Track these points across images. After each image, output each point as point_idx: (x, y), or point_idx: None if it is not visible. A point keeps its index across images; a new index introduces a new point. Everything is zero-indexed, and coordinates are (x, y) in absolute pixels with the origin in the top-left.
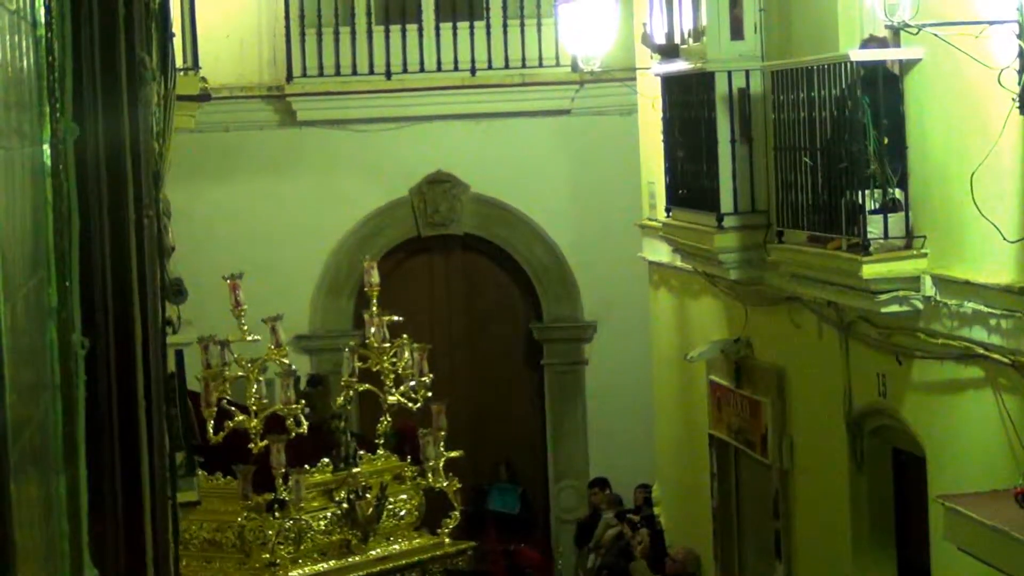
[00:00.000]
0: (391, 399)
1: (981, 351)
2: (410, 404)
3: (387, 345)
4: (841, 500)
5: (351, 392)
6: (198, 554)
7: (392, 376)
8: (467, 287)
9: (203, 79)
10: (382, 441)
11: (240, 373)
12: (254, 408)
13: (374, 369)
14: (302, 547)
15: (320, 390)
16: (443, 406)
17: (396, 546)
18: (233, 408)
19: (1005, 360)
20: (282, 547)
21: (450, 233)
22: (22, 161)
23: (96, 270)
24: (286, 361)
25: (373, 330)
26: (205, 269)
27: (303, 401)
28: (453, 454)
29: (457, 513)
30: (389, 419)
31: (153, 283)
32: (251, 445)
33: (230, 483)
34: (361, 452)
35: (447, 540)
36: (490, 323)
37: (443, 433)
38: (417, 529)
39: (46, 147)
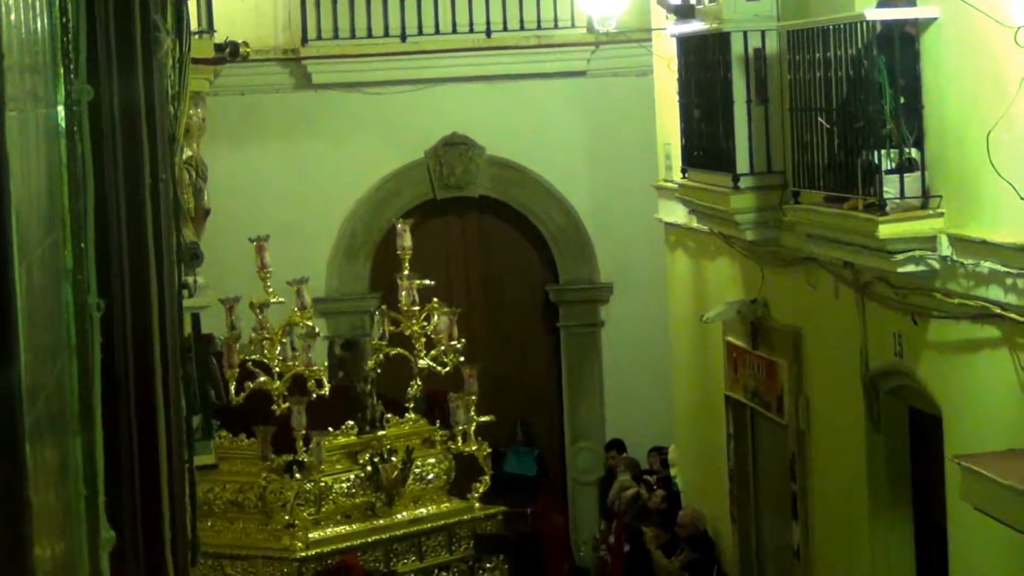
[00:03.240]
0: (421, 363)
1: (997, 310)
2: (439, 368)
3: (416, 309)
4: (858, 460)
5: (380, 355)
6: (221, 515)
7: (423, 340)
8: (483, 249)
9: (245, 43)
10: (412, 405)
11: (266, 336)
12: (277, 370)
13: (406, 333)
14: (324, 509)
15: (354, 353)
16: (475, 370)
17: (423, 510)
18: (258, 370)
19: (1021, 319)
20: (302, 508)
21: (466, 195)
22: (36, 123)
23: (112, 232)
24: (310, 323)
25: (404, 294)
26: (221, 232)
27: (337, 364)
28: (484, 419)
29: (487, 477)
30: (420, 383)
31: (169, 246)
32: (274, 407)
33: (253, 444)
34: (388, 416)
35: (477, 504)
36: (506, 285)
37: (474, 398)
38: (447, 493)
39: (60, 109)
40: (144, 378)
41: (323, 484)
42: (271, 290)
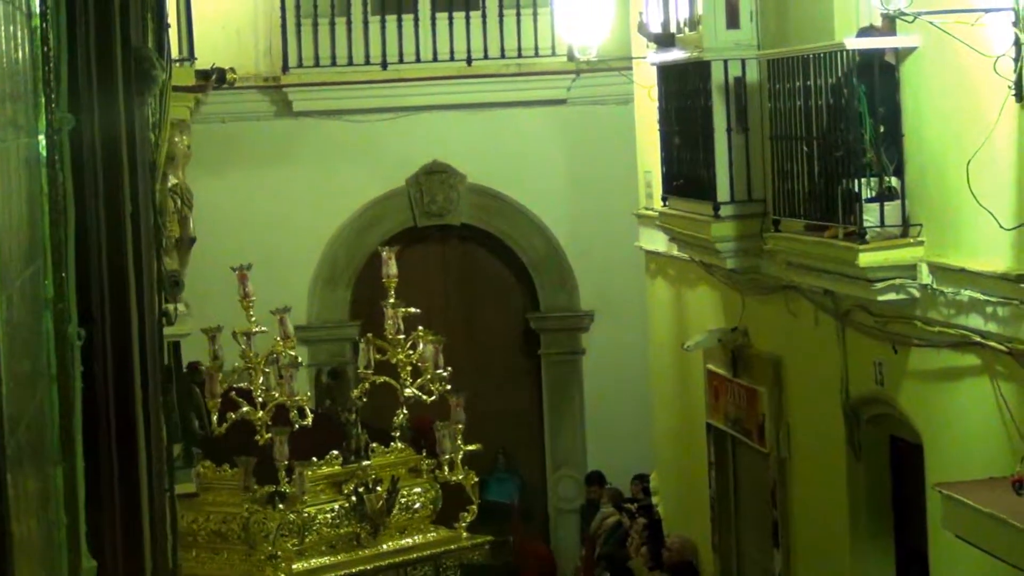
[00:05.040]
0: (407, 392)
1: (978, 339)
2: (424, 397)
3: (402, 337)
4: (839, 488)
5: (366, 384)
6: (206, 545)
7: (408, 368)
8: (464, 277)
9: (232, 69)
10: (398, 434)
11: (249, 365)
12: (260, 399)
13: (392, 362)
14: (307, 539)
15: (340, 382)
16: (462, 399)
17: (409, 539)
18: (241, 400)
19: (1002, 348)
20: (286, 539)
21: (447, 223)
22: (17, 152)
23: (92, 261)
24: (293, 353)
25: (389, 322)
26: (201, 260)
27: (324, 392)
28: (471, 447)
29: (475, 507)
30: (406, 412)
31: (150, 274)
32: (257, 437)
33: (236, 474)
34: (374, 445)
35: (464, 534)
36: (487, 313)
37: (461, 426)
38: (434, 523)
39: (41, 138)
40: (125, 406)
41: (306, 515)
42: (253, 319)
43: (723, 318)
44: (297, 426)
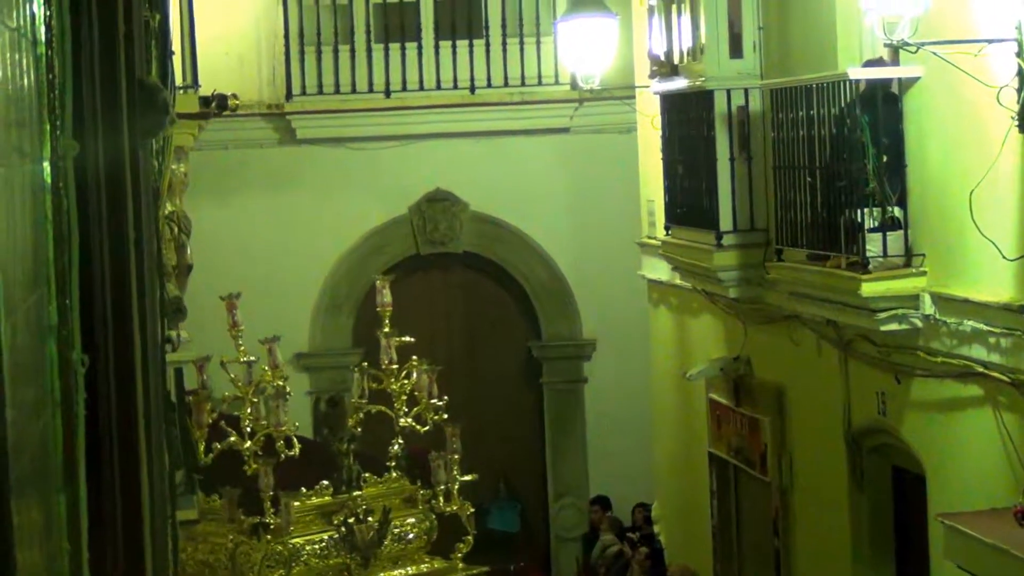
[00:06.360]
0: (403, 421)
1: (980, 369)
2: (419, 427)
3: (395, 367)
4: (841, 518)
5: (361, 414)
6: (195, 574)
7: (403, 398)
8: (466, 305)
9: (234, 95)
10: (394, 463)
11: (238, 395)
12: (248, 429)
13: (389, 391)
14: (294, 570)
15: (338, 411)
16: (457, 429)
17: (402, 570)
18: (230, 429)
19: (1004, 378)
20: (272, 570)
21: (449, 251)
22: (22, 178)
23: (96, 287)
24: (281, 383)
25: (384, 351)
26: (204, 287)
27: (322, 420)
28: (467, 478)
29: (471, 538)
30: (401, 441)
31: (152, 301)
32: (245, 467)
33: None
34: (367, 475)
35: (460, 565)
36: (489, 341)
37: (457, 456)
38: (431, 554)
39: (46, 164)
40: (127, 433)
41: (292, 546)
42: (243, 348)
43: (725, 347)
44: (284, 456)
